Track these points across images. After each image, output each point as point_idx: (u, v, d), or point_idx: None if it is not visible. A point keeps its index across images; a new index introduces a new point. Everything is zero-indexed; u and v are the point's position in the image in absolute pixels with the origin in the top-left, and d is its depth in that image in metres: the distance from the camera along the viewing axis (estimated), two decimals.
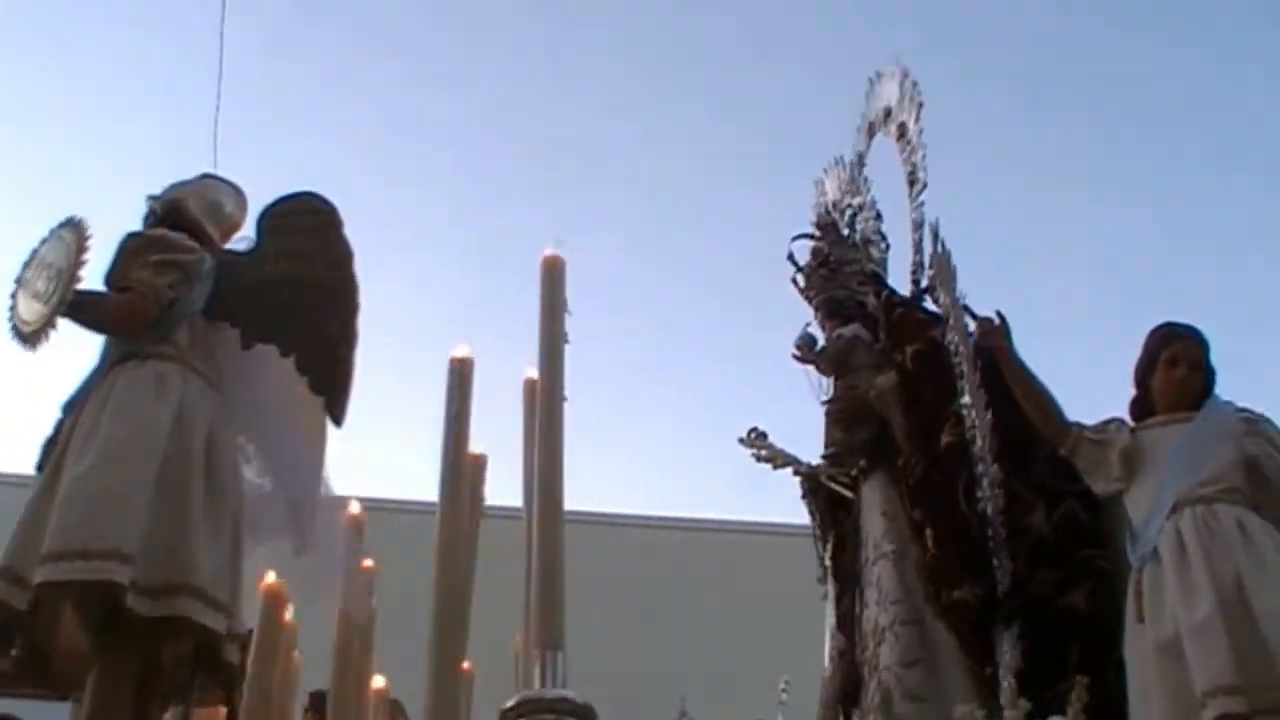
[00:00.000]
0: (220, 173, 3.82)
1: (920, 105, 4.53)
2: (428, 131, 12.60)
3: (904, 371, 4.22)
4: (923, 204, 4.49)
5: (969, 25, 12.53)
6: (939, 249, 4.20)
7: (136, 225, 3.52)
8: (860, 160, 4.91)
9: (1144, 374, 3.66)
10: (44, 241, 3.33)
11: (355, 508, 2.81)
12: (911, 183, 4.53)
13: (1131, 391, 3.72)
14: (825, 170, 5.04)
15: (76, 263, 3.19)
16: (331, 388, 3.31)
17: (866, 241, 4.74)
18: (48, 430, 3.25)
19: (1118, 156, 13.10)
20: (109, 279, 3.35)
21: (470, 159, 13.59)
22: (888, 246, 4.75)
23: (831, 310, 4.58)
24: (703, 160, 13.01)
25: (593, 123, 12.46)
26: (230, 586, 3.07)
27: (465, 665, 1.99)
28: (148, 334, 3.24)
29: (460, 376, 1.92)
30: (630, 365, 12.12)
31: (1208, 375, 3.63)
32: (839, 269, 4.62)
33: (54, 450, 3.15)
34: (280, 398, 3.37)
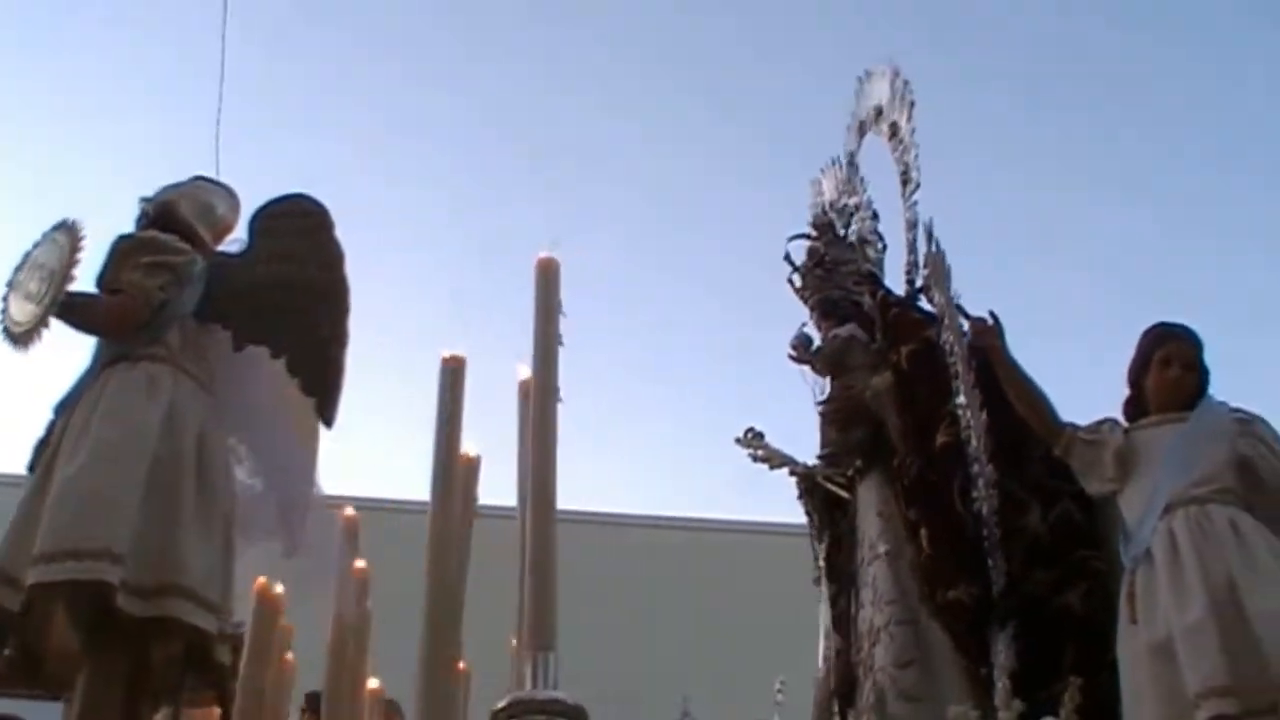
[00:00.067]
0: (220, 173, 3.83)
1: (912, 104, 4.53)
2: (427, 131, 12.62)
3: (899, 371, 4.22)
4: (916, 203, 4.49)
5: (969, 25, 12.54)
6: (933, 248, 4.20)
7: (132, 227, 3.52)
8: (851, 159, 4.91)
9: (1137, 374, 3.66)
10: (37, 244, 3.34)
11: (349, 510, 2.80)
12: (905, 182, 4.53)
13: (1127, 391, 3.72)
14: (822, 170, 5.04)
15: (69, 264, 3.19)
16: (322, 389, 3.32)
17: (863, 241, 4.74)
18: (39, 431, 3.25)
19: (1118, 156, 13.14)
20: (100, 281, 3.35)
21: (469, 159, 13.61)
22: (884, 246, 4.75)
23: (827, 310, 4.58)
24: (702, 160, 13.04)
25: (592, 123, 12.48)
26: (221, 587, 3.07)
27: (461, 665, 1.99)
28: (139, 336, 3.25)
29: (452, 377, 1.92)
30: (630, 365, 12.14)
31: (1201, 375, 3.63)
32: (835, 269, 4.62)
33: (45, 451, 3.16)
34: (271, 399, 3.37)
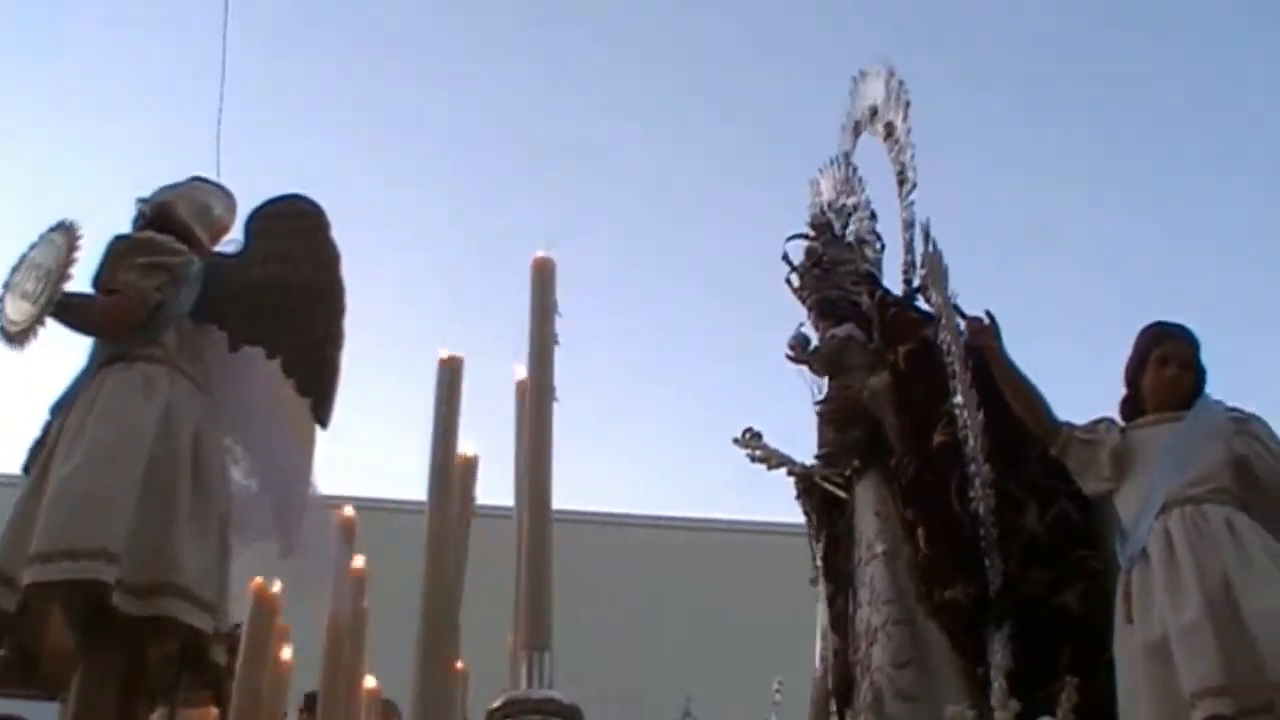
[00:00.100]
0: (221, 173, 3.83)
1: (908, 104, 4.52)
2: (426, 131, 12.64)
3: (897, 371, 4.22)
4: (913, 203, 4.49)
5: (969, 25, 12.56)
6: (930, 248, 4.20)
7: (129, 227, 3.52)
8: (848, 159, 4.91)
9: (1134, 373, 3.66)
10: (34, 245, 3.34)
11: (346, 509, 2.80)
12: (901, 182, 4.52)
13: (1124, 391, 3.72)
14: (820, 170, 5.04)
15: (66, 264, 3.19)
16: (318, 389, 3.32)
17: (861, 241, 4.73)
18: (36, 432, 3.25)
19: (1118, 156, 13.15)
20: (97, 281, 3.36)
21: (468, 159, 13.63)
22: (882, 246, 4.75)
23: (825, 310, 4.58)
24: (701, 160, 13.05)
25: (591, 123, 12.49)
26: (217, 586, 3.08)
27: (458, 665, 1.99)
28: (135, 336, 3.25)
29: (449, 377, 1.92)
30: (630, 365, 12.16)
31: (1198, 375, 3.63)
32: (833, 269, 4.62)
33: (42, 452, 3.16)
34: (267, 400, 3.38)
